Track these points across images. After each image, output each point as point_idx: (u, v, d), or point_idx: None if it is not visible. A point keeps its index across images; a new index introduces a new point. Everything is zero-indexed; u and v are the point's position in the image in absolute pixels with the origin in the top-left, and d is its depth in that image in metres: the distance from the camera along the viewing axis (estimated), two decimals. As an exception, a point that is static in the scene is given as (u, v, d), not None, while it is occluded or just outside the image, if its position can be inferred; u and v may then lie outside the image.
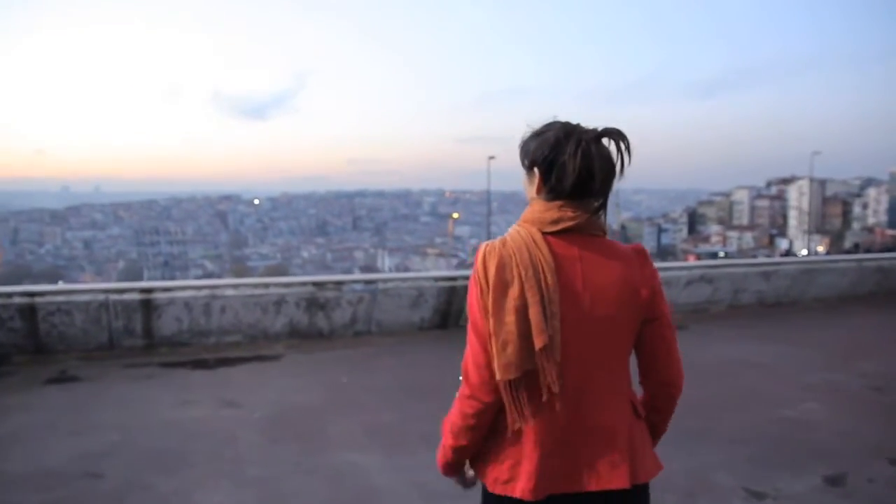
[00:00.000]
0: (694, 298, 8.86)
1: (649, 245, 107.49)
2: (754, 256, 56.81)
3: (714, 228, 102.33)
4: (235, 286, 6.50)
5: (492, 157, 45.21)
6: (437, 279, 7.30)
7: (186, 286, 6.40)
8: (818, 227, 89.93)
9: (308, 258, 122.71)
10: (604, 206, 1.56)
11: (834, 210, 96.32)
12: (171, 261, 64.98)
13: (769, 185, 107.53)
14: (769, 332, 7.88)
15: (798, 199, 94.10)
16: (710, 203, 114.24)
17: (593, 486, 1.49)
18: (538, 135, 1.56)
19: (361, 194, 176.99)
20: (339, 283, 6.89)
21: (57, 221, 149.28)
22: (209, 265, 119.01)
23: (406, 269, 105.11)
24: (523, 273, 1.44)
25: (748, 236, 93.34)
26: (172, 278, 63.36)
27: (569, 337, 1.46)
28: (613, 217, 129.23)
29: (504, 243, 1.50)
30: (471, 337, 1.51)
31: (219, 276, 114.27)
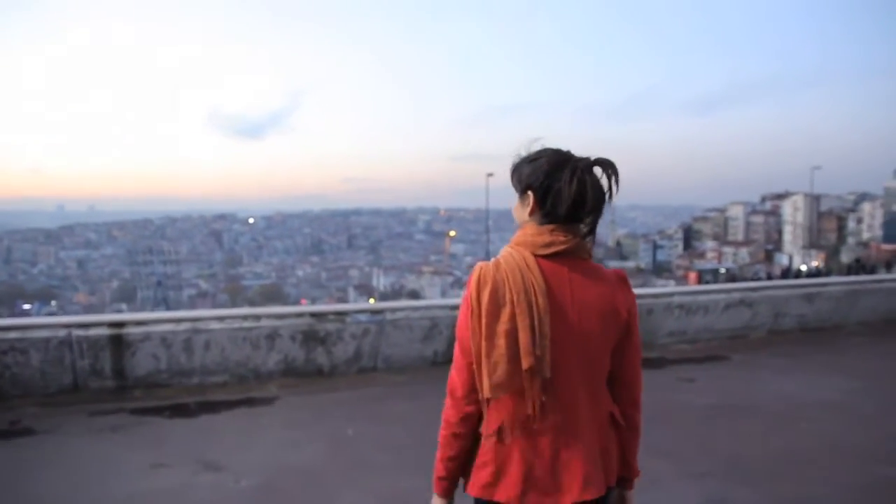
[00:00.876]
0: (732, 324, 7.99)
1: (645, 261, 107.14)
2: (755, 273, 56.04)
3: (709, 244, 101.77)
4: (221, 318, 5.59)
5: (490, 175, 44.59)
6: (452, 308, 6.42)
7: (164, 319, 5.48)
8: (813, 242, 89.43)
9: (303, 277, 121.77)
10: (593, 231, 1.64)
11: (829, 225, 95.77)
12: (164, 280, 63.81)
13: (764, 200, 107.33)
14: (825, 363, 6.99)
15: (793, 214, 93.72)
16: (704, 219, 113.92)
17: (574, 497, 1.58)
18: (532, 161, 1.65)
19: (356, 213, 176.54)
20: (342, 314, 5.99)
21: (51, 241, 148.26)
22: (203, 284, 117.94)
23: (402, 288, 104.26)
24: (515, 297, 1.54)
25: (743, 252, 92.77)
26: (165, 299, 62.29)
27: (558, 355, 1.56)
28: (608, 234, 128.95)
29: (497, 267, 1.59)
30: (457, 354, 1.64)
31: (213, 296, 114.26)
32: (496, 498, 1.60)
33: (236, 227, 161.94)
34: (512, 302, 1.53)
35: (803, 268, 60.72)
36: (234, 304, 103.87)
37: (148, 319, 5.42)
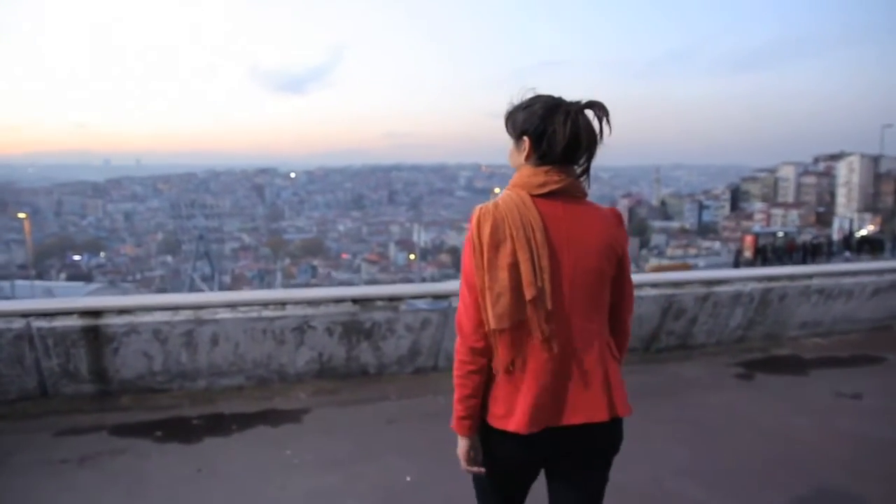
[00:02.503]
0: (878, 313, 6.33)
1: (689, 221, 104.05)
2: (815, 238, 53.09)
3: (758, 206, 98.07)
4: (233, 305, 4.15)
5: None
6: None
7: (156, 305, 4.05)
8: (868, 205, 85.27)
9: (344, 232, 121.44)
10: (587, 171, 1.74)
11: (887, 188, 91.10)
12: (206, 234, 63.41)
13: (817, 161, 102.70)
14: None
15: (848, 175, 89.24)
16: (753, 179, 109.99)
17: (578, 419, 1.67)
18: (525, 107, 1.72)
19: (397, 168, 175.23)
20: (394, 299, 4.51)
21: (99, 194, 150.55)
22: (246, 238, 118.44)
23: (442, 244, 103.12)
24: (514, 233, 1.62)
25: (794, 214, 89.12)
26: (207, 252, 61.86)
27: (556, 288, 1.64)
28: (653, 192, 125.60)
29: (496, 206, 1.66)
30: (463, 291, 1.69)
31: (255, 249, 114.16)
32: (509, 428, 1.67)
33: (278, 181, 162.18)
34: (511, 237, 1.62)
35: (862, 232, 57.40)
36: (276, 258, 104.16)
37: (134, 306, 4.01)
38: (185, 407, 4.21)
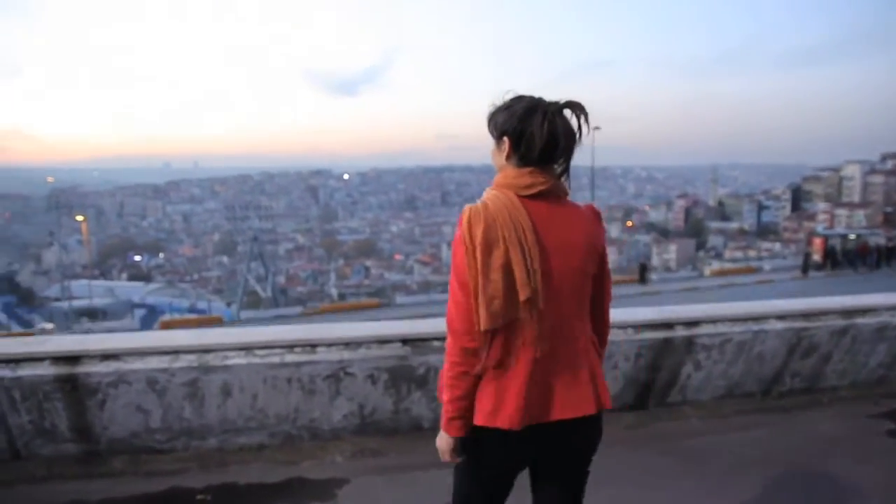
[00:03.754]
0: None
1: (748, 222, 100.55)
2: (892, 239, 50.17)
3: (821, 206, 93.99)
4: (248, 348, 3.22)
5: (597, 128, 40.63)
6: (639, 326, 3.87)
7: (149, 349, 3.13)
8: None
9: (396, 232, 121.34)
10: (566, 171, 1.75)
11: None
12: (260, 235, 63.58)
13: (884, 159, 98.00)
14: None
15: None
16: (816, 179, 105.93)
17: (569, 414, 1.70)
18: (506, 108, 1.73)
19: (449, 169, 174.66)
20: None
21: (158, 196, 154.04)
22: (300, 239, 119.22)
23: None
24: (507, 234, 1.63)
25: (860, 214, 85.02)
26: (261, 254, 61.92)
27: (547, 288, 1.66)
28: (709, 192, 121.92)
29: (486, 206, 1.67)
30: (455, 290, 1.69)
31: (309, 249, 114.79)
32: (497, 424, 1.68)
33: (332, 182, 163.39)
34: (504, 238, 1.63)
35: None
36: (329, 259, 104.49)
37: (121, 350, 3.11)
38: (192, 473, 3.31)
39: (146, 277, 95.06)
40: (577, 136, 1.72)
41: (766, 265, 48.41)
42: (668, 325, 3.94)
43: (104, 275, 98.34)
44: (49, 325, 33.98)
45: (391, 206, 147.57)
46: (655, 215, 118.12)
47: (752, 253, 73.70)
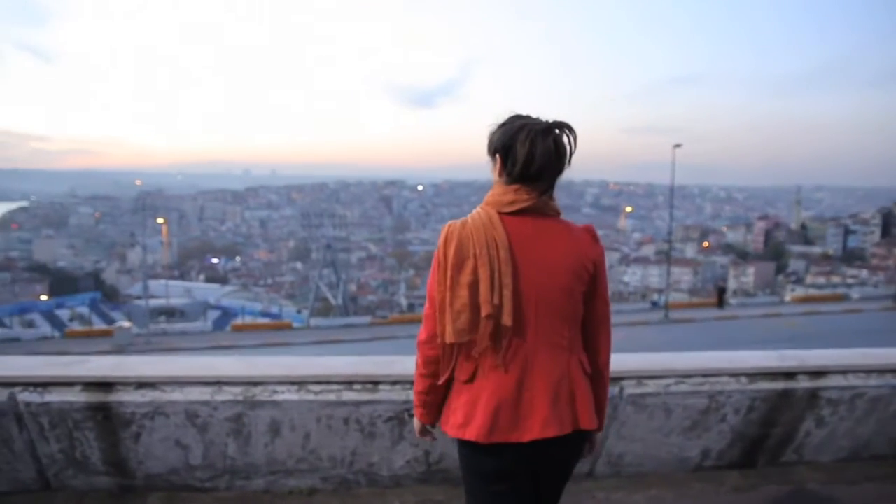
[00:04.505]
0: None
1: (833, 247, 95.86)
2: None
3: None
4: (300, 383, 2.80)
5: (678, 146, 39.50)
6: (752, 374, 3.28)
7: (189, 378, 2.74)
8: None
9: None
10: (550, 188, 1.77)
11: None
12: (333, 243, 64.30)
13: None
14: None
15: None
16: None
17: (544, 434, 1.69)
18: (502, 126, 1.78)
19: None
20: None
21: (238, 201, 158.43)
22: (372, 248, 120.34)
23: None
24: (478, 251, 1.68)
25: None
26: (333, 262, 62.55)
27: (523, 305, 1.69)
28: (792, 215, 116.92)
29: (464, 225, 1.73)
30: (426, 305, 1.78)
31: (381, 259, 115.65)
32: (467, 437, 1.72)
33: (406, 193, 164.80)
34: (474, 256, 1.68)
35: None
36: (400, 269, 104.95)
37: (159, 378, 2.72)
38: (234, 519, 2.92)
39: (222, 280, 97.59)
40: (566, 155, 1.75)
41: (855, 293, 45.86)
42: (788, 375, 3.33)
43: (183, 276, 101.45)
44: (127, 324, 34.88)
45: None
46: (734, 236, 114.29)
47: (836, 279, 70.34)
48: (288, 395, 2.79)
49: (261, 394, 2.78)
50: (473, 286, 1.68)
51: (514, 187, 1.74)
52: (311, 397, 2.80)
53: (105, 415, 2.74)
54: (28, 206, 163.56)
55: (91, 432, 2.78)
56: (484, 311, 1.67)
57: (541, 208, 1.75)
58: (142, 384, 2.73)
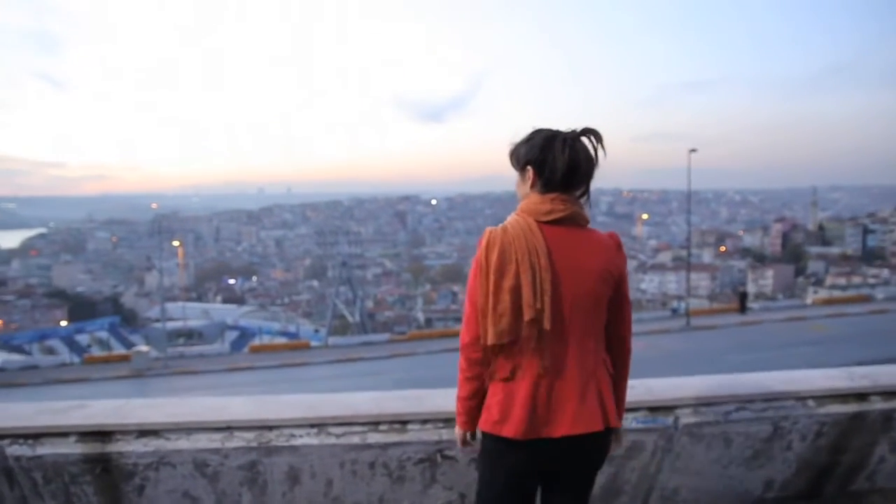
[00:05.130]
0: None
1: (852, 247, 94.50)
2: None
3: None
4: (320, 425, 2.51)
5: (693, 150, 39.02)
6: (820, 397, 2.94)
7: (196, 424, 2.45)
8: None
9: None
10: (586, 193, 1.87)
11: None
12: (349, 260, 64.14)
13: None
14: None
15: None
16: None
17: (577, 430, 1.78)
18: (527, 141, 1.87)
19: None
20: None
21: (253, 221, 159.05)
22: (388, 264, 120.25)
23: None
24: (520, 258, 1.75)
25: (977, 237, 78.65)
26: (349, 279, 62.38)
27: (556, 309, 1.77)
28: (809, 216, 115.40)
29: (505, 231, 1.81)
30: (467, 307, 1.84)
31: (397, 275, 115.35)
32: (503, 433, 1.80)
33: (419, 208, 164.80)
34: (516, 262, 1.75)
35: None
36: (416, 284, 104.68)
37: (162, 424, 2.42)
38: (250, 577, 2.62)
39: (240, 300, 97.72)
40: (595, 161, 1.85)
41: (879, 293, 44.94)
42: (860, 396, 3.00)
43: (200, 297, 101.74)
44: (144, 348, 34.76)
45: (478, 231, 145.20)
46: (750, 240, 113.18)
47: (856, 280, 69.28)
48: (307, 438, 2.49)
49: (276, 439, 2.48)
50: (515, 291, 1.74)
51: (551, 196, 1.81)
52: (332, 441, 2.50)
53: (104, 467, 2.46)
54: (46, 232, 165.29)
55: (89, 486, 2.50)
56: (527, 315, 1.74)
57: (575, 218, 1.82)
58: (144, 432, 2.45)
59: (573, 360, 1.80)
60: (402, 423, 2.55)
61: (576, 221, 1.83)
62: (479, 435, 1.95)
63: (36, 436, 2.42)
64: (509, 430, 1.78)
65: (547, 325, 1.75)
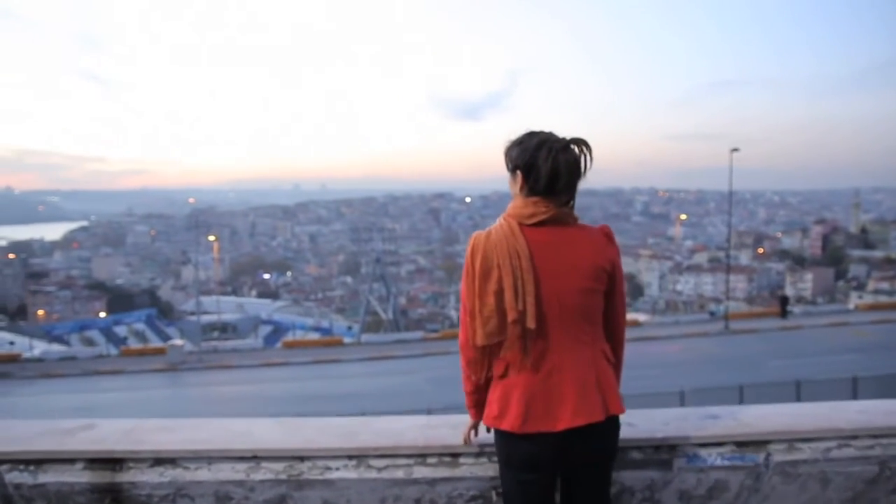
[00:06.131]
0: None
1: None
2: None
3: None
4: (360, 456, 2.18)
5: (735, 150, 38.09)
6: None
7: (218, 452, 2.14)
8: None
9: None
10: (571, 200, 1.91)
11: None
12: (382, 257, 64.12)
13: None
14: None
15: None
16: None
17: (578, 421, 1.82)
18: (519, 143, 1.91)
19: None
20: (662, 447, 2.37)
21: (288, 217, 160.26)
22: (421, 261, 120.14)
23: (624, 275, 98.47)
24: (501, 262, 1.80)
25: None
26: (383, 275, 62.30)
27: (546, 308, 1.82)
28: (850, 218, 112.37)
29: (488, 236, 1.86)
30: (462, 312, 1.91)
31: (430, 272, 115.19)
32: (503, 427, 1.86)
33: (454, 205, 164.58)
34: (499, 266, 1.80)
35: None
36: (450, 281, 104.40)
37: (179, 453, 2.11)
38: None
39: (274, 295, 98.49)
40: (582, 170, 1.88)
41: (927, 299, 43.48)
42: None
43: (235, 291, 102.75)
44: (179, 342, 34.98)
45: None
46: (789, 242, 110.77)
47: (900, 284, 67.48)
48: (344, 471, 2.17)
49: (309, 471, 2.16)
50: (499, 293, 1.80)
51: (534, 200, 1.86)
52: (373, 475, 2.18)
53: (114, 497, 2.16)
54: (88, 225, 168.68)
55: (100, 517, 2.21)
56: (510, 317, 1.79)
57: (559, 218, 1.86)
58: (159, 460, 2.15)
59: (568, 353, 1.85)
60: (452, 455, 2.22)
61: (561, 221, 1.87)
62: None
63: (39, 461, 2.13)
64: (507, 424, 1.84)
65: (531, 324, 1.79)
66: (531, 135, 1.90)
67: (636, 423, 2.37)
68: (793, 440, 2.42)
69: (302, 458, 2.18)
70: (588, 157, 1.88)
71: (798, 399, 18.17)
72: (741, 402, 18.11)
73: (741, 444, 2.39)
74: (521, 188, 1.88)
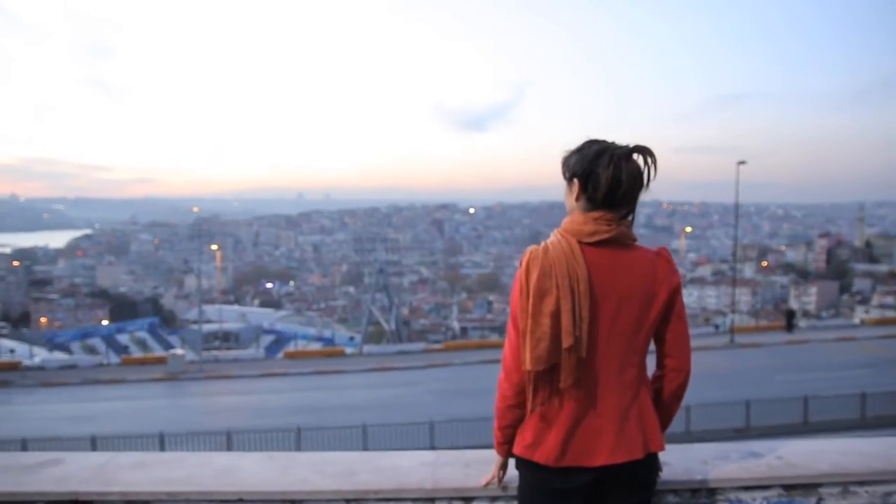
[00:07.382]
0: None
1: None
2: None
3: None
4: (356, 500, 1.91)
5: (742, 163, 37.78)
6: None
7: (195, 495, 1.86)
8: None
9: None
10: (631, 213, 1.77)
11: None
12: (385, 267, 63.90)
13: None
14: None
15: None
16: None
17: (617, 458, 1.72)
18: (578, 151, 1.79)
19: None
20: (699, 490, 2.12)
21: (291, 226, 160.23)
22: (424, 271, 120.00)
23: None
24: (560, 282, 1.67)
25: None
26: (386, 286, 62.09)
27: (596, 336, 1.71)
28: (855, 232, 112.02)
29: (546, 252, 1.72)
30: (510, 329, 1.77)
31: (433, 283, 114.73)
32: (535, 458, 1.73)
33: (457, 216, 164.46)
34: (557, 286, 1.67)
35: None
36: (452, 292, 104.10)
37: (152, 493, 1.85)
38: None
39: (276, 304, 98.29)
40: (645, 180, 1.75)
41: (934, 314, 43.10)
42: None
43: (238, 300, 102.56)
44: (180, 351, 34.72)
45: (516, 241, 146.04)
46: (793, 255, 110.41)
47: (906, 299, 67.20)
48: (346, 515, 1.92)
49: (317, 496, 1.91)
50: (555, 316, 1.68)
51: (595, 216, 1.73)
52: (379, 518, 1.92)
53: (82, 543, 1.91)
54: (92, 233, 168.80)
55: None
56: (565, 343, 1.68)
57: (620, 239, 1.74)
58: (130, 502, 1.89)
59: (612, 386, 1.75)
60: (465, 499, 1.96)
61: (621, 242, 1.74)
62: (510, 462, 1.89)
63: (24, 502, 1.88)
64: (541, 456, 1.73)
65: (583, 352, 1.69)
66: (592, 142, 1.78)
67: (671, 463, 2.11)
68: (847, 483, 2.16)
69: (293, 502, 1.92)
70: (652, 168, 1.75)
71: (806, 415, 17.91)
72: (748, 417, 17.85)
73: (789, 488, 2.12)
74: (578, 198, 1.76)
